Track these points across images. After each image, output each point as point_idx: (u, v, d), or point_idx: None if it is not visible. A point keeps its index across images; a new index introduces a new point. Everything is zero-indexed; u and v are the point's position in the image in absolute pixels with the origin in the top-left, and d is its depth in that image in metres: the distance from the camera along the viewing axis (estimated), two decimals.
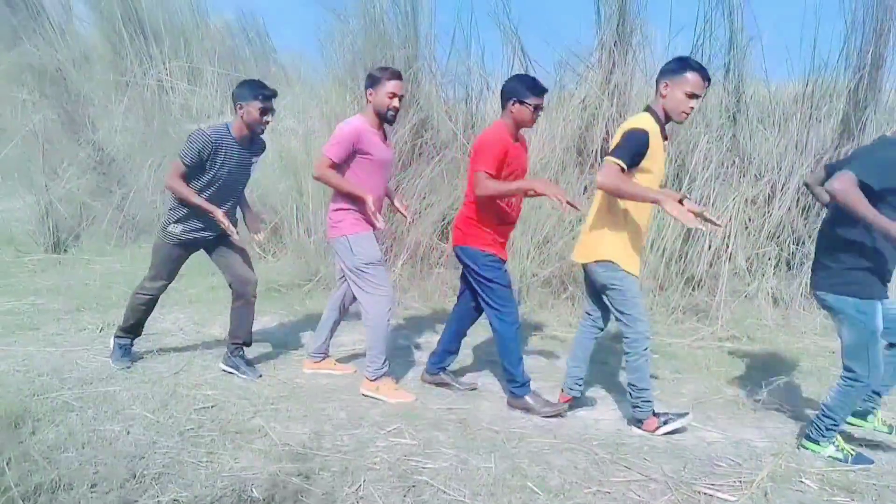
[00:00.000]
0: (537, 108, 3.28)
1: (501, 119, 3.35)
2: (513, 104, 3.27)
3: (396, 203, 3.77)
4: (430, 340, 4.66)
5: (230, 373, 3.77)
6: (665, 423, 3.15)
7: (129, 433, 2.94)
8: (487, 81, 6.99)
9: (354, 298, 3.74)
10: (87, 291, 5.58)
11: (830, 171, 2.96)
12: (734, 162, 5.77)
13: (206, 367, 3.89)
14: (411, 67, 6.46)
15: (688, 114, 2.98)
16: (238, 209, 3.83)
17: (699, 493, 2.60)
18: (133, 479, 2.54)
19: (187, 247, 3.69)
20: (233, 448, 2.86)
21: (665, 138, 3.03)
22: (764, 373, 4.17)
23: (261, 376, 3.78)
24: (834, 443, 2.94)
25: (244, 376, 3.72)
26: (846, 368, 2.87)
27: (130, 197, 7.55)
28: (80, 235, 7.41)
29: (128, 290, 5.51)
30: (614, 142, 3.01)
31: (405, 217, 3.81)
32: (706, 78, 2.94)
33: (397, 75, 3.42)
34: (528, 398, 3.39)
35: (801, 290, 5.23)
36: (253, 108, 3.43)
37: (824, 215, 3.03)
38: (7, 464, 2.57)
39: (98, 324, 4.61)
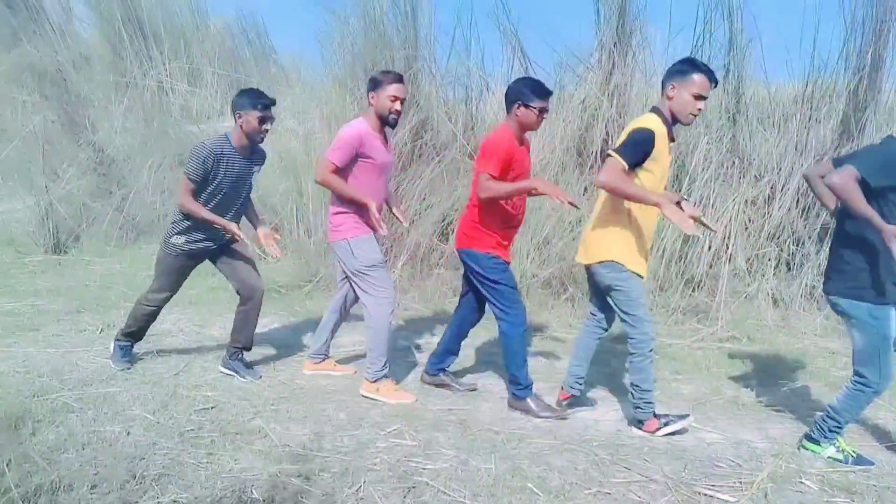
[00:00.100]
0: (542, 111, 3.28)
1: (506, 122, 3.34)
2: (518, 107, 3.26)
3: (394, 209, 3.76)
4: (430, 341, 4.66)
5: (229, 375, 3.77)
6: (666, 424, 3.15)
7: (129, 434, 2.94)
8: (487, 82, 7.01)
9: (356, 300, 3.74)
10: (87, 292, 5.58)
11: (836, 165, 2.94)
12: (734, 163, 5.77)
13: (206, 368, 3.89)
14: (411, 68, 6.47)
15: (695, 115, 2.98)
16: (250, 224, 3.82)
17: (699, 493, 2.60)
18: (133, 481, 2.54)
19: (191, 258, 3.68)
20: (233, 449, 2.86)
21: (672, 140, 3.02)
22: (764, 373, 4.17)
23: (260, 377, 3.78)
24: (835, 444, 2.94)
25: (244, 379, 3.72)
26: (857, 374, 2.85)
27: (130, 198, 7.55)
28: (80, 236, 7.41)
29: (128, 291, 5.56)
30: (620, 140, 2.99)
31: (401, 222, 3.81)
32: (713, 79, 2.94)
33: (399, 79, 3.42)
34: (529, 401, 3.39)
35: (800, 290, 5.24)
36: (252, 117, 3.43)
37: (834, 220, 3.00)
38: (7, 465, 2.57)
39: (98, 325, 4.61)
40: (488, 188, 3.18)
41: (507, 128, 3.31)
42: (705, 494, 2.59)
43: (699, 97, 2.92)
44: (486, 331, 4.37)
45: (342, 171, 3.38)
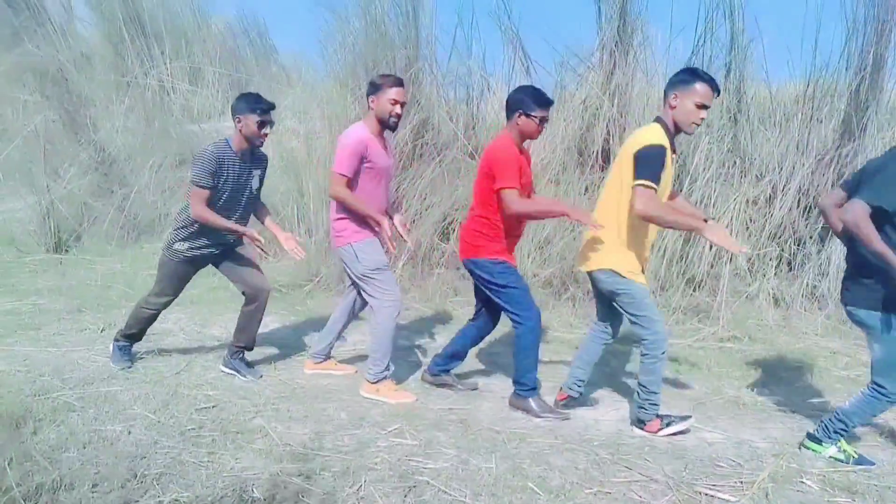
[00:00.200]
0: (543, 120, 3.28)
1: (507, 131, 3.34)
2: (519, 116, 3.26)
3: (397, 223, 3.64)
4: (431, 341, 4.67)
5: (231, 374, 3.77)
6: (668, 424, 3.15)
7: (130, 433, 2.94)
8: (488, 82, 7.00)
9: (364, 306, 3.74)
10: (88, 292, 5.58)
11: (846, 188, 2.94)
12: (735, 162, 5.77)
13: (207, 367, 3.89)
14: (412, 68, 6.46)
15: (698, 125, 2.98)
16: (268, 228, 3.81)
17: (700, 493, 2.60)
18: (134, 479, 2.55)
19: (193, 264, 3.68)
20: (234, 448, 2.86)
21: (673, 151, 3.01)
22: (765, 373, 4.17)
23: (261, 377, 3.78)
24: (836, 444, 2.94)
25: (245, 378, 3.73)
26: (875, 383, 2.84)
27: (132, 197, 7.56)
28: (82, 236, 7.42)
29: (129, 291, 5.56)
30: (625, 155, 2.97)
31: (405, 241, 3.73)
32: (715, 88, 2.94)
33: (399, 82, 3.42)
34: (531, 401, 3.38)
35: (802, 290, 5.23)
36: (251, 121, 3.43)
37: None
38: (8, 464, 2.57)
39: (99, 324, 4.61)
40: (522, 205, 3.20)
41: (508, 137, 3.31)
42: (706, 494, 2.59)
43: (702, 106, 2.92)
44: None
45: (350, 182, 3.38)
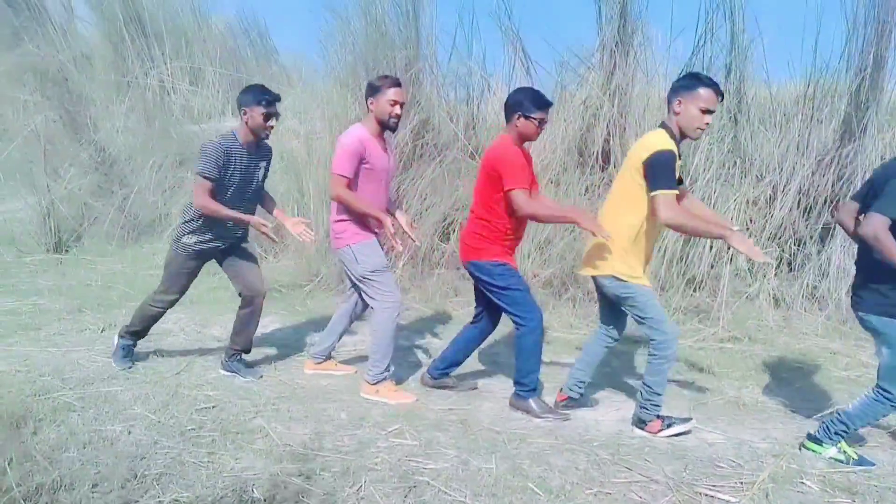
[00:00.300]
0: (542, 122, 3.28)
1: (507, 133, 3.34)
2: (518, 118, 3.26)
3: (402, 222, 3.65)
4: (431, 341, 4.67)
5: (230, 375, 3.77)
6: (669, 426, 3.15)
7: (130, 433, 2.95)
8: (488, 82, 7.00)
9: (365, 308, 3.75)
10: (88, 292, 5.58)
11: (858, 200, 2.93)
12: (735, 163, 5.77)
13: (207, 367, 3.89)
14: (412, 68, 6.46)
15: (703, 130, 2.98)
16: (266, 211, 3.82)
17: (700, 494, 2.60)
18: (134, 480, 2.55)
19: (200, 257, 3.66)
20: (234, 448, 2.86)
21: (678, 157, 3.00)
22: (765, 374, 4.17)
23: (261, 377, 3.78)
24: (836, 445, 2.94)
25: (245, 379, 3.72)
26: (881, 388, 2.84)
27: (132, 197, 7.56)
28: (82, 236, 7.42)
29: (129, 291, 5.56)
30: (633, 162, 2.96)
31: (412, 240, 3.72)
32: (719, 92, 2.94)
33: (398, 83, 3.43)
34: (532, 402, 3.38)
35: (802, 291, 5.23)
36: (256, 113, 3.42)
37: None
38: (9, 464, 2.57)
39: (99, 324, 4.62)
40: (534, 207, 3.19)
41: (508, 139, 3.31)
42: (706, 495, 2.59)
43: (706, 111, 2.91)
44: None
45: (351, 182, 3.38)
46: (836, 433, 2.92)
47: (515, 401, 3.45)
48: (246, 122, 3.46)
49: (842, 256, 5.19)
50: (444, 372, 3.74)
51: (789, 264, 5.46)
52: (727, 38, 5.87)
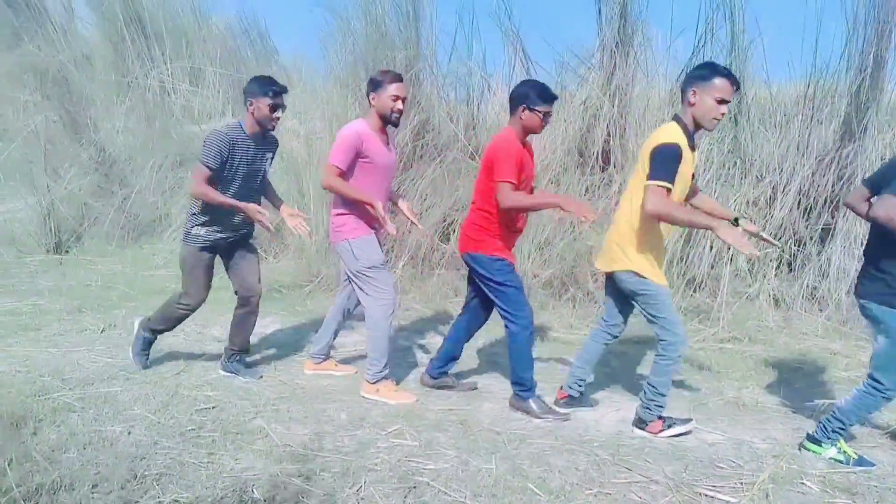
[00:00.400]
0: (546, 114, 3.27)
1: (510, 125, 3.34)
2: (522, 110, 3.25)
3: (404, 209, 3.67)
4: (431, 342, 4.67)
5: (230, 376, 3.77)
6: (669, 426, 3.15)
7: (130, 434, 2.95)
8: (488, 83, 7.00)
9: (358, 302, 3.75)
10: (88, 292, 5.59)
11: (869, 185, 2.93)
12: (735, 163, 5.77)
13: (207, 368, 3.89)
14: (412, 68, 6.47)
15: (718, 120, 2.94)
16: (273, 206, 3.81)
17: (700, 494, 2.60)
18: (134, 480, 2.55)
19: (212, 250, 3.63)
20: (234, 449, 2.86)
21: (693, 149, 2.97)
22: (765, 374, 4.17)
23: (261, 377, 3.78)
24: (836, 445, 2.94)
25: (244, 379, 3.72)
26: (872, 378, 2.85)
27: (132, 198, 7.57)
28: (82, 236, 7.42)
29: (129, 291, 5.57)
30: (644, 156, 2.95)
31: (416, 224, 3.73)
32: (735, 82, 2.89)
33: (399, 78, 3.42)
34: (531, 402, 3.38)
35: (802, 291, 5.23)
36: (263, 104, 3.40)
37: (871, 227, 2.94)
38: (9, 464, 2.57)
39: (99, 325, 4.62)
40: (514, 199, 3.17)
41: (512, 131, 3.30)
42: (706, 495, 2.59)
43: (722, 101, 2.87)
44: (486, 331, 4.35)
45: (344, 174, 3.38)
46: (833, 431, 2.92)
47: (515, 401, 3.45)
48: (252, 113, 3.44)
49: (842, 257, 5.20)
50: (443, 370, 3.75)
51: (789, 265, 5.46)
52: (727, 38, 5.87)
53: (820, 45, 5.68)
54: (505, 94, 6.68)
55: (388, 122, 3.45)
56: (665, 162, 2.84)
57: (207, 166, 3.36)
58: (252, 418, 3.19)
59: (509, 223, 3.36)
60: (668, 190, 2.81)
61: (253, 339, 3.92)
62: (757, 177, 5.70)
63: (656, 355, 3.09)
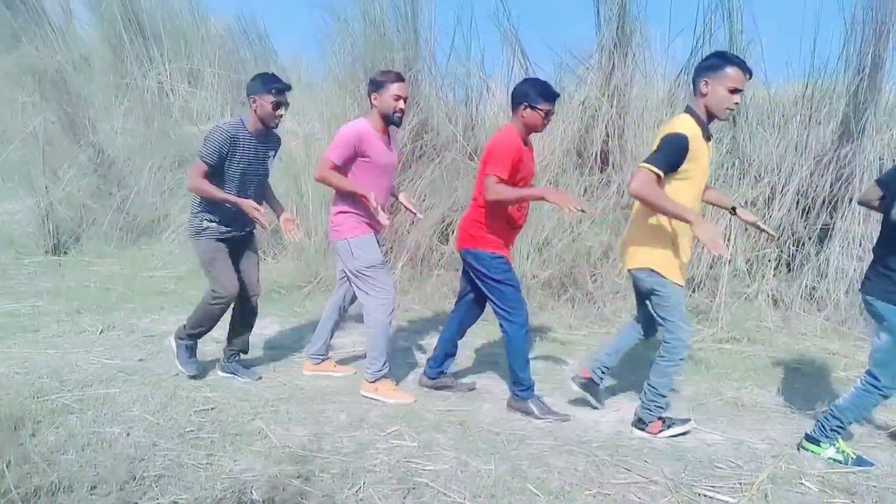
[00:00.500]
0: (548, 113, 3.27)
1: (512, 123, 3.34)
2: (524, 108, 3.25)
3: (404, 200, 3.68)
4: (430, 342, 4.66)
5: (229, 377, 3.77)
6: (669, 426, 3.15)
7: (128, 435, 2.94)
8: (487, 83, 7.00)
9: (353, 300, 3.75)
10: (87, 293, 5.58)
11: (882, 185, 2.94)
12: (734, 164, 5.77)
13: (205, 369, 3.88)
14: (411, 69, 6.46)
15: (732, 110, 2.90)
16: (272, 210, 3.79)
17: (699, 494, 2.60)
18: (133, 481, 2.54)
19: (226, 242, 3.58)
20: (233, 450, 2.86)
21: (708, 139, 2.94)
22: (764, 374, 4.17)
23: (260, 378, 3.78)
24: (834, 445, 2.94)
25: (243, 380, 3.72)
26: (870, 374, 2.85)
27: (131, 199, 7.56)
28: (81, 237, 7.41)
29: (128, 293, 5.56)
30: (653, 146, 2.92)
31: (414, 214, 3.72)
32: (747, 71, 2.85)
33: (401, 77, 3.43)
34: (530, 402, 3.38)
35: (800, 291, 5.23)
36: (265, 101, 3.39)
37: (881, 225, 2.94)
38: (7, 466, 2.57)
39: (98, 326, 4.61)
40: (497, 191, 3.16)
41: (513, 128, 3.30)
42: (705, 496, 2.59)
43: (735, 91, 2.83)
44: (485, 331, 4.37)
45: (341, 170, 3.38)
46: (831, 429, 2.92)
47: (514, 402, 3.45)
48: (255, 111, 3.43)
49: (840, 257, 5.20)
50: (440, 370, 3.75)
51: (788, 265, 5.46)
52: (726, 38, 5.88)
53: (818, 45, 5.70)
54: (504, 95, 6.70)
55: (390, 121, 3.45)
56: (665, 150, 2.81)
57: (205, 162, 3.35)
58: (251, 419, 3.19)
59: (508, 220, 3.36)
60: (659, 176, 2.78)
61: (252, 340, 3.91)
62: (755, 177, 5.70)
63: (658, 356, 3.09)
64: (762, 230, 3.26)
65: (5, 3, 10.63)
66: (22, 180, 7.91)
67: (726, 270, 5.26)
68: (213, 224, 3.52)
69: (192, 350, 3.75)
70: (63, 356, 3.97)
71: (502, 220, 3.34)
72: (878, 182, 3.02)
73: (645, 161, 2.82)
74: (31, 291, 5.57)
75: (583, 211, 3.09)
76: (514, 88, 3.34)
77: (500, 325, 3.40)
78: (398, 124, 3.51)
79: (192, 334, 3.70)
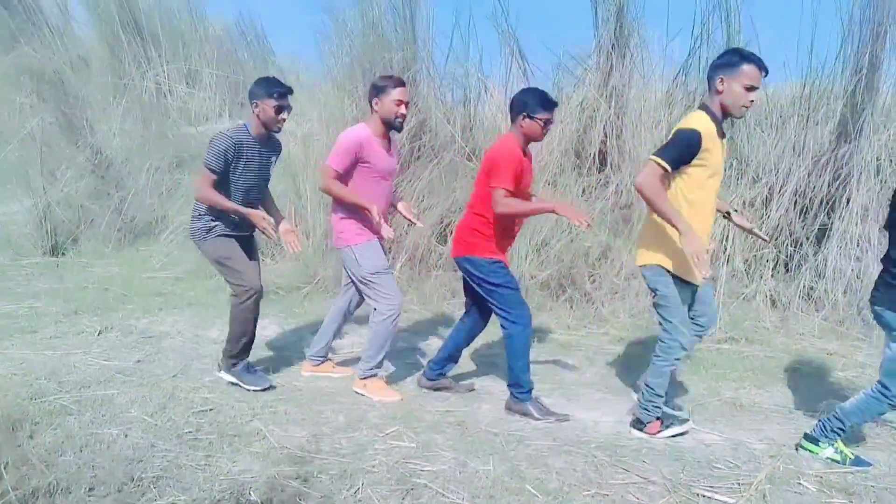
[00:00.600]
0: (547, 122, 3.28)
1: (511, 132, 3.34)
2: (523, 118, 3.26)
3: (403, 210, 3.66)
4: (429, 342, 4.67)
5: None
6: (667, 427, 3.15)
7: (127, 436, 2.94)
8: (485, 84, 7.00)
9: (359, 304, 3.75)
10: (85, 295, 5.57)
11: None
12: (732, 164, 5.77)
13: (204, 370, 3.88)
14: (409, 70, 6.47)
15: (748, 107, 2.88)
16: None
17: (697, 495, 2.60)
18: (131, 483, 2.54)
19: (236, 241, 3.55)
20: (231, 451, 2.86)
21: (722, 136, 2.92)
22: (762, 375, 4.17)
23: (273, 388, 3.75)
24: (833, 445, 2.94)
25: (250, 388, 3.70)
26: (881, 384, 2.84)
27: (129, 200, 7.55)
28: (78, 239, 7.40)
29: (126, 294, 5.55)
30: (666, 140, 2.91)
31: (414, 223, 3.70)
32: (763, 68, 2.82)
33: (402, 83, 3.43)
34: (529, 405, 3.38)
35: (798, 292, 5.24)
36: (268, 105, 3.38)
37: (888, 234, 2.88)
38: (5, 467, 2.56)
39: (96, 327, 4.60)
40: (507, 205, 3.17)
41: (512, 138, 3.31)
42: (704, 496, 2.60)
43: (751, 88, 2.81)
44: (484, 332, 4.34)
45: (343, 177, 3.38)
46: (832, 431, 2.92)
47: (512, 403, 3.44)
48: (257, 116, 3.41)
49: (838, 257, 5.20)
50: (440, 373, 3.75)
51: (786, 265, 5.47)
52: (723, 39, 5.88)
53: (816, 46, 5.70)
54: (502, 96, 6.70)
55: (391, 126, 3.45)
56: (676, 144, 2.81)
57: (212, 170, 3.33)
58: (249, 420, 3.19)
59: (506, 228, 3.36)
60: (665, 169, 2.77)
61: None
62: (753, 178, 5.71)
63: (654, 356, 3.09)
64: (756, 236, 3.26)
65: (3, 3, 10.62)
66: (20, 181, 7.89)
67: (724, 271, 5.26)
68: (219, 224, 3.50)
69: (248, 366, 3.62)
70: (61, 357, 3.97)
71: (500, 227, 3.34)
72: None
73: (655, 153, 2.82)
74: (29, 292, 5.56)
75: (589, 226, 3.11)
76: (513, 98, 3.35)
77: (503, 328, 3.39)
78: (399, 129, 3.51)
79: (239, 351, 3.56)
